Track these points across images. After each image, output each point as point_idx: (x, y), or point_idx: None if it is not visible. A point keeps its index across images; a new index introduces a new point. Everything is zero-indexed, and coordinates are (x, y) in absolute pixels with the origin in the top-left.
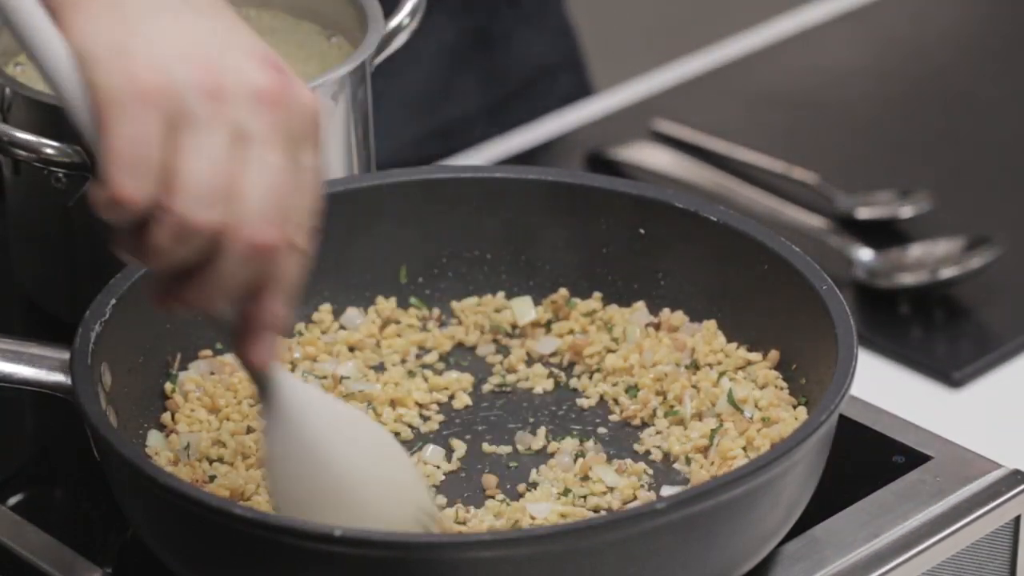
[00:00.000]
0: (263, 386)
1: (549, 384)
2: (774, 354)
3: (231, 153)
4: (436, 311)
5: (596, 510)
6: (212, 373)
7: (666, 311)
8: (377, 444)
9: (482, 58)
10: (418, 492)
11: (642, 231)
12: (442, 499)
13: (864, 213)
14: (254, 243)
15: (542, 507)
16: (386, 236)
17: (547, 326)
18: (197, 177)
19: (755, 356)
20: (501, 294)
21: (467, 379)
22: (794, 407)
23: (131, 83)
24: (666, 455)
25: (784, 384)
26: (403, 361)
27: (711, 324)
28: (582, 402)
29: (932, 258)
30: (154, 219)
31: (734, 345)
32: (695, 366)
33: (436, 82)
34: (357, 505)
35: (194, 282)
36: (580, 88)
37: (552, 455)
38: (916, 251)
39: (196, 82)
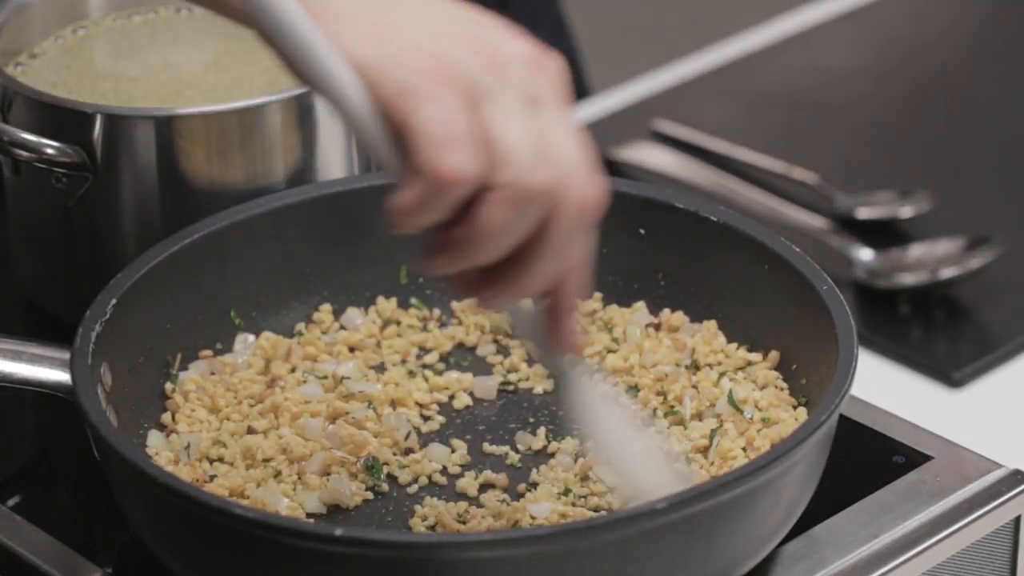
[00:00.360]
0: (562, 370)
1: (549, 384)
2: (774, 354)
3: (534, 116)
4: (436, 311)
5: (596, 510)
6: (212, 373)
7: (666, 311)
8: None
9: None
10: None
11: (642, 231)
12: (442, 500)
13: (864, 213)
14: (586, 198)
15: (542, 507)
16: (386, 236)
17: None
18: (519, 141)
19: (755, 356)
20: None
21: (467, 379)
22: (794, 407)
23: (418, 68)
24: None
25: (784, 384)
26: (403, 361)
27: (711, 324)
28: None
29: (932, 258)
30: (485, 195)
31: (734, 345)
32: (695, 366)
33: None
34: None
35: (522, 267)
36: (577, 90)
37: (552, 455)
38: (916, 251)
39: (473, 57)
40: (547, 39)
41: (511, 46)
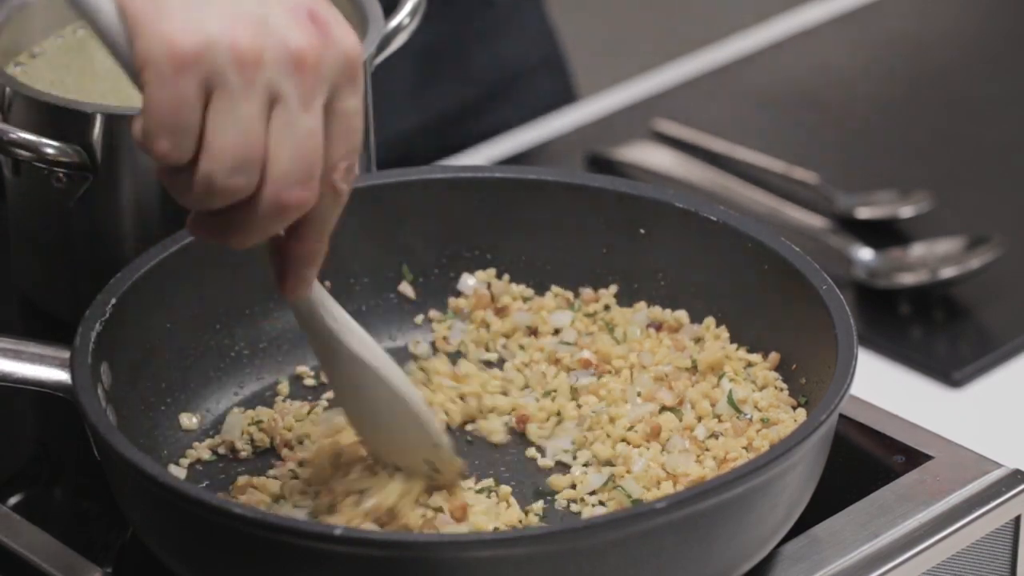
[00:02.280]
0: (302, 313)
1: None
2: (774, 356)
3: (263, 120)
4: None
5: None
6: None
7: (667, 311)
8: (400, 373)
9: (456, 60)
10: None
11: (642, 231)
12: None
13: (864, 213)
14: (280, 202)
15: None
16: (386, 236)
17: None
18: (225, 146)
19: (755, 357)
20: None
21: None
22: (794, 408)
23: (168, 47)
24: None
25: (784, 385)
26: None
27: (710, 322)
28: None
29: (932, 258)
30: (188, 172)
31: (734, 346)
32: (695, 367)
33: (409, 83)
34: (402, 417)
35: (228, 225)
36: (562, 91)
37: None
38: (916, 251)
39: (232, 48)
40: (528, 41)
41: (285, 39)
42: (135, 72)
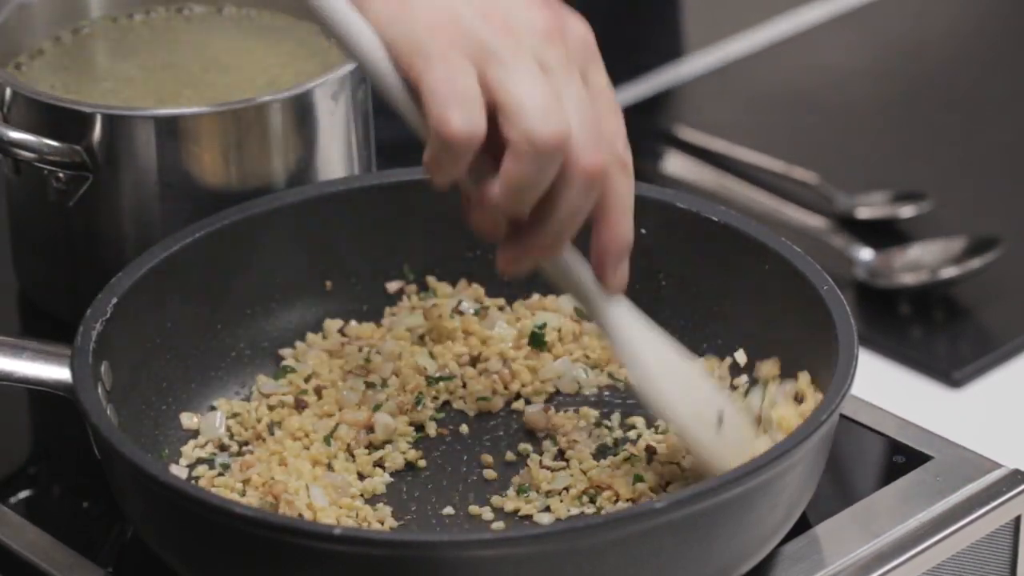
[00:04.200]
0: (604, 309)
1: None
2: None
3: (544, 79)
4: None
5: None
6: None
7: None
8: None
9: None
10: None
11: (642, 231)
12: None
13: (864, 213)
14: (588, 166)
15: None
16: (386, 236)
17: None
18: (529, 96)
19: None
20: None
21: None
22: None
23: (429, 31)
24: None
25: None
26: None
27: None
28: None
29: (932, 258)
30: (500, 150)
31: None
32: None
33: None
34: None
35: (540, 225)
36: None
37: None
38: (916, 251)
39: (486, 22)
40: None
41: (527, 15)
42: (407, 67)
